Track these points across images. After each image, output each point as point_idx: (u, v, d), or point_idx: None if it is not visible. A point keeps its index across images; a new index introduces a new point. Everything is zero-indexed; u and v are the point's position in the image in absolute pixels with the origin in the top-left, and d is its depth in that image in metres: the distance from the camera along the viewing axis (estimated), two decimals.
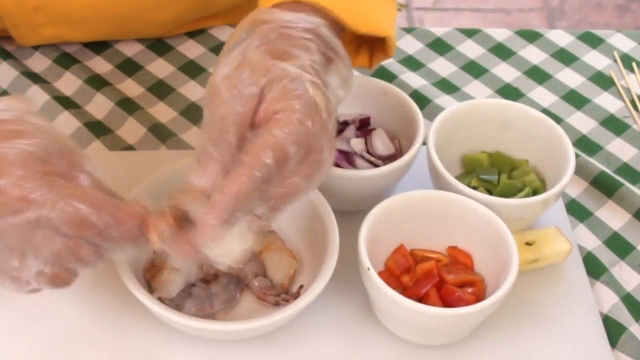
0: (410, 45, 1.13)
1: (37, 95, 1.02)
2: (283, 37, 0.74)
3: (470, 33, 1.15)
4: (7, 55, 1.06)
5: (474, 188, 0.89)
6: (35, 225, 0.68)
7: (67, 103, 1.02)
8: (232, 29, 1.11)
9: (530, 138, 0.93)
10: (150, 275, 0.83)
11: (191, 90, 1.05)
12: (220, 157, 0.70)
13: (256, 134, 0.71)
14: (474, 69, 1.11)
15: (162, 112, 1.03)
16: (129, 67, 1.07)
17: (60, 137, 0.73)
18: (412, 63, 1.10)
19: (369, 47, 0.90)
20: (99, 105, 1.03)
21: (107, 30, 1.08)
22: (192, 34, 1.11)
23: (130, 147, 0.99)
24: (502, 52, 1.13)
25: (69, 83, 1.04)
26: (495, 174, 0.92)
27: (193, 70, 1.07)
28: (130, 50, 1.09)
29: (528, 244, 0.88)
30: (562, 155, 0.90)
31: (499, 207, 0.85)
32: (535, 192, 0.90)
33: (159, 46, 1.10)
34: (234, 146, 0.70)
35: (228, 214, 0.69)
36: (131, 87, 1.05)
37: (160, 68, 1.07)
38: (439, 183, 0.89)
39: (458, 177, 0.90)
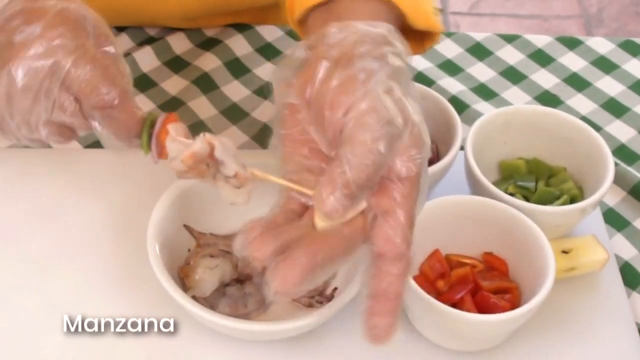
0: (449, 49, 1.12)
1: None
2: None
3: (509, 39, 1.14)
4: None
5: (511, 194, 0.88)
6: (51, 72, 0.70)
7: None
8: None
9: (568, 145, 0.93)
10: (185, 273, 0.83)
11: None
12: None
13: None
14: (513, 75, 1.10)
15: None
16: None
17: (96, 14, 0.75)
18: (450, 67, 1.10)
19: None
20: None
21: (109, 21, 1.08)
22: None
23: None
24: (541, 58, 1.12)
25: None
26: (533, 181, 0.91)
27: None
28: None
29: (564, 252, 0.87)
30: (600, 164, 0.89)
31: (536, 214, 0.85)
32: (572, 200, 0.90)
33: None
34: None
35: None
36: None
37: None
38: (475, 188, 0.88)
39: (495, 183, 0.90)
